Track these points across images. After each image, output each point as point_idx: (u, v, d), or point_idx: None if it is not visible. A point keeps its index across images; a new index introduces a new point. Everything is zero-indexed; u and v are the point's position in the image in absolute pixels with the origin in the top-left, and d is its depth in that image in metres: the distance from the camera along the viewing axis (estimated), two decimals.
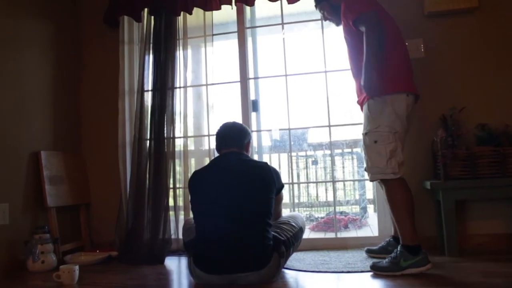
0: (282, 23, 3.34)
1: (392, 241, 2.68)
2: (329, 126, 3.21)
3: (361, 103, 2.58)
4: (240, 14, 3.38)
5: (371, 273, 2.32)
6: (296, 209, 4.87)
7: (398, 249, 2.31)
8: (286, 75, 3.31)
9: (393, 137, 2.35)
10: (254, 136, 3.42)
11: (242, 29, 3.38)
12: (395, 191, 2.35)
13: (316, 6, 2.82)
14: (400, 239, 2.34)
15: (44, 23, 3.28)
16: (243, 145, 2.49)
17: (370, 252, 2.73)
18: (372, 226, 4.01)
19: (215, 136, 2.56)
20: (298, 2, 3.15)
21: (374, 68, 2.29)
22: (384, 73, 2.34)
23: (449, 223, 2.58)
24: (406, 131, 2.45)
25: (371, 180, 2.53)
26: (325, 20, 2.89)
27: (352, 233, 3.71)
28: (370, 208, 5.18)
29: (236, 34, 3.39)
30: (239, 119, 3.28)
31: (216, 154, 2.53)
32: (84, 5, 3.66)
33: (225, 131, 2.51)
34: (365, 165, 2.53)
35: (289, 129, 3.35)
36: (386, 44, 2.40)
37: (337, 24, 2.77)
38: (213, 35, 3.33)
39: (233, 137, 2.47)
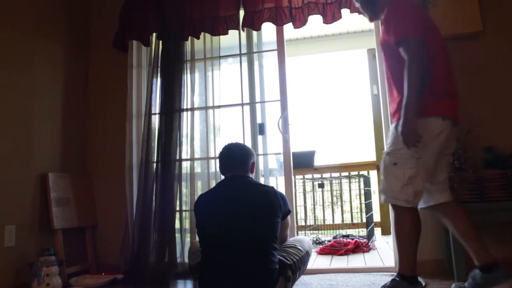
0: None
1: (479, 273, 2.19)
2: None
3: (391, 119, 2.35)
4: (249, 38, 3.45)
5: None
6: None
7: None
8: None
9: (415, 163, 2.14)
10: (260, 159, 3.42)
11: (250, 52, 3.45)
12: (404, 222, 2.18)
13: None
14: (398, 268, 2.20)
15: (56, 45, 3.35)
16: (248, 167, 2.45)
17: None
18: (379, 250, 3.96)
19: (218, 158, 2.52)
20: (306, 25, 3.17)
21: (414, 109, 2.07)
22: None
23: (457, 247, 2.54)
24: (437, 158, 2.21)
25: (384, 203, 2.30)
26: (359, 14, 2.62)
27: (359, 257, 3.66)
28: (378, 231, 5.14)
29: (238, 58, 3.44)
30: (245, 142, 3.29)
31: (222, 176, 2.51)
32: (95, 29, 3.74)
33: (228, 154, 2.46)
34: (380, 186, 2.34)
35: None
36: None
37: (370, 20, 2.53)
38: (220, 57, 3.37)
39: (237, 160, 2.43)
